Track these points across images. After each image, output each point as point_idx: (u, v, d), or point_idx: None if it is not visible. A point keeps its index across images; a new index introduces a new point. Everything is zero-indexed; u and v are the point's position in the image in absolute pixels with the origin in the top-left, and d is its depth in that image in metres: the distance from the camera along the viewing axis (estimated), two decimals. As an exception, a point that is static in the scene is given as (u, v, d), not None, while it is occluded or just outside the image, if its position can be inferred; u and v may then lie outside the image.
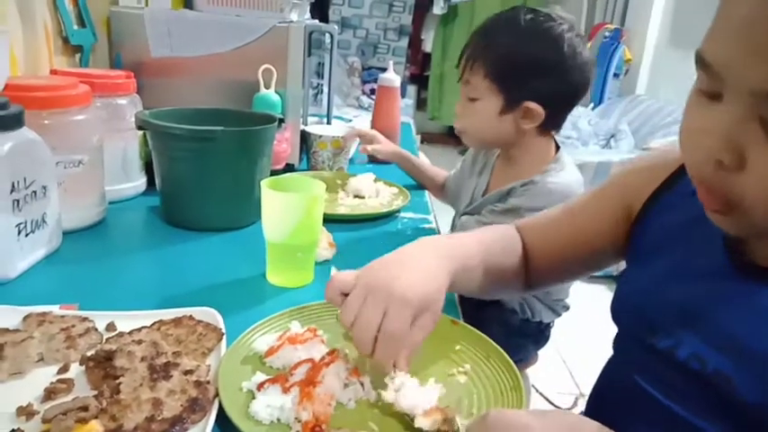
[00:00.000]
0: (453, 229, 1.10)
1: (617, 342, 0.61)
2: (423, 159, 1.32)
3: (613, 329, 0.62)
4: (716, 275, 0.49)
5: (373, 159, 1.29)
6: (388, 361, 0.50)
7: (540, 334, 1.08)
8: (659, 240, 0.56)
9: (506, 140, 0.98)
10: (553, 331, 1.12)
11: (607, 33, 3.26)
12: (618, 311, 0.59)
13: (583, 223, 0.65)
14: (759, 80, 0.36)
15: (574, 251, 0.66)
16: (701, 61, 0.40)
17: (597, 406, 0.61)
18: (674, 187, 0.56)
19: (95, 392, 0.48)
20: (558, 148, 0.99)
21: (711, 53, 0.39)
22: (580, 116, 2.95)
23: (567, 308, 1.08)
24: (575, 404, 1.68)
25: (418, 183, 1.24)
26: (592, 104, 3.20)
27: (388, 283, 0.50)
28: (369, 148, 1.23)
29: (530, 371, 1.23)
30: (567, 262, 0.67)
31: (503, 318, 1.02)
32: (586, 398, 0.65)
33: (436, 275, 0.54)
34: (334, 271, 0.62)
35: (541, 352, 1.16)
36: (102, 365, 0.52)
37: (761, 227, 0.42)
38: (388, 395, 0.49)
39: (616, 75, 3.23)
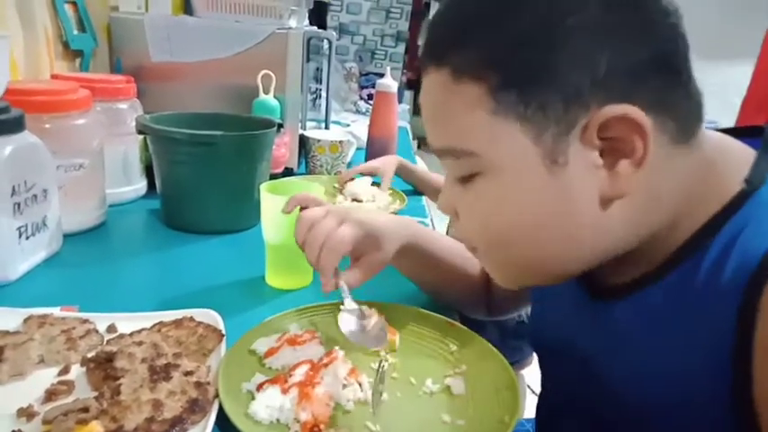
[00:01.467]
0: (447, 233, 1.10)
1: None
2: (420, 166, 1.32)
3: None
4: (575, 305, 0.53)
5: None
6: (329, 269, 0.59)
7: None
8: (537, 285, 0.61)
9: None
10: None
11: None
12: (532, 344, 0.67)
13: None
14: (431, 140, 0.46)
15: None
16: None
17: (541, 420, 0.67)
18: None
19: (96, 394, 0.48)
20: None
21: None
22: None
23: None
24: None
25: (417, 190, 1.24)
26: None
27: (349, 210, 0.62)
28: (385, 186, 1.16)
29: (525, 372, 1.24)
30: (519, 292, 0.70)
31: (498, 321, 1.02)
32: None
33: (394, 231, 0.63)
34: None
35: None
36: (103, 367, 0.52)
37: (495, 263, 0.49)
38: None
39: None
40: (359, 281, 0.62)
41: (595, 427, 0.52)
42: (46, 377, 0.52)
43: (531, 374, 1.39)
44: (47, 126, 0.77)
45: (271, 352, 0.56)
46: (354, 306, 0.60)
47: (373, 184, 1.13)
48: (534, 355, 1.16)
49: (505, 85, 0.40)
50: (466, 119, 0.42)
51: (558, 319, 0.57)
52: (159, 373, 0.50)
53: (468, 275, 0.72)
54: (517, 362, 1.11)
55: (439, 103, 0.44)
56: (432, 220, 1.08)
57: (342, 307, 0.60)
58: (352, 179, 1.12)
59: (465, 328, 0.63)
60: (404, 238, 0.65)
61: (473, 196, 0.45)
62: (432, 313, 0.66)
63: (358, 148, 1.41)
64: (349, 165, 1.29)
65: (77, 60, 1.16)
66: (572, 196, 0.41)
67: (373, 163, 1.18)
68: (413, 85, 4.36)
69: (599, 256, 0.44)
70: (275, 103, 1.14)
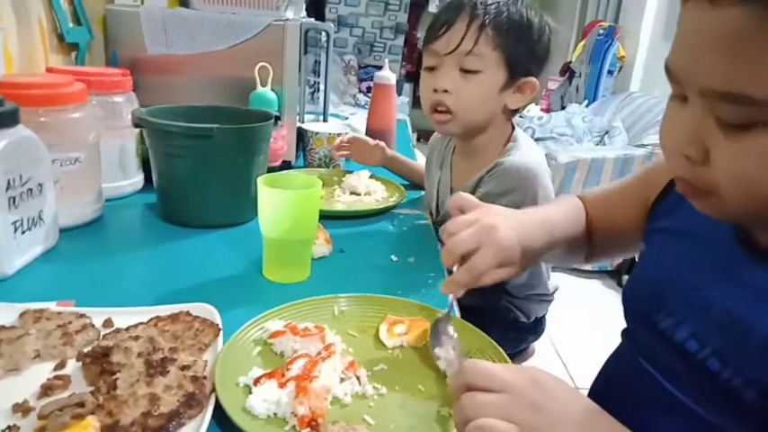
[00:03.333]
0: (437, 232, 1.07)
1: (625, 330, 0.63)
2: (420, 160, 1.30)
3: (608, 323, 0.63)
4: (723, 257, 0.51)
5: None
6: (459, 287, 0.58)
7: (537, 325, 1.08)
8: (673, 228, 0.59)
9: (488, 123, 0.91)
10: (549, 326, 1.12)
11: (601, 31, 3.27)
12: (628, 293, 0.62)
13: (623, 207, 0.71)
14: (705, 82, 0.41)
15: (615, 229, 0.72)
16: (666, 69, 0.45)
17: (600, 389, 0.63)
18: None
19: (92, 388, 0.48)
20: (512, 127, 0.96)
21: (671, 60, 0.45)
22: (574, 113, 2.96)
23: (556, 289, 1.07)
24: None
25: (411, 182, 1.21)
26: (586, 101, 3.21)
27: (493, 226, 0.59)
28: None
29: (526, 364, 1.24)
30: (612, 238, 0.74)
31: (497, 321, 1.01)
32: (582, 391, 0.66)
33: (529, 243, 0.62)
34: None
35: (537, 345, 1.17)
36: (99, 361, 0.52)
37: (738, 212, 0.45)
38: None
39: (610, 72, 3.24)
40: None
41: (704, 377, 0.49)
42: (42, 372, 0.52)
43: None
44: (42, 120, 0.76)
45: (277, 334, 0.56)
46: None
47: (371, 177, 1.12)
48: (534, 347, 1.16)
49: None
50: None
51: (694, 270, 0.54)
52: (156, 368, 0.50)
53: (580, 231, 0.73)
54: (523, 351, 1.11)
55: (741, 41, 0.38)
56: (431, 212, 1.08)
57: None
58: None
59: (464, 321, 0.63)
60: (531, 251, 0.63)
61: (744, 146, 0.41)
62: (430, 306, 0.65)
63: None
64: (347, 158, 1.28)
65: (73, 53, 1.15)
66: None
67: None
68: (412, 77, 4.34)
69: None
70: (272, 95, 1.13)
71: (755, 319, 0.46)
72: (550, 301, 1.08)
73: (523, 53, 0.87)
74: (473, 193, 0.90)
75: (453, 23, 0.85)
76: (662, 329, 0.54)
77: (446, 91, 0.88)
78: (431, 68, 0.90)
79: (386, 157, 1.19)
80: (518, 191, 0.85)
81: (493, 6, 0.85)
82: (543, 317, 1.08)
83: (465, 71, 0.86)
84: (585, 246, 0.75)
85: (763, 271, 0.47)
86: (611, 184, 0.77)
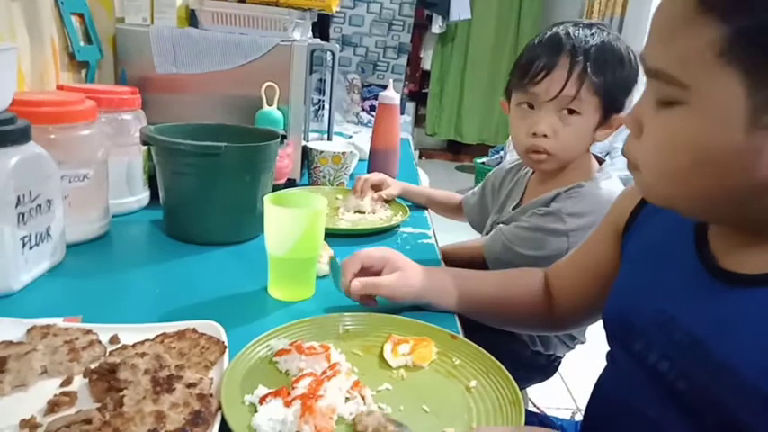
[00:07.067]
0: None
1: (608, 354, 0.64)
2: (422, 182, 1.31)
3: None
4: (687, 277, 0.52)
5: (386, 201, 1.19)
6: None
7: (549, 366, 1.06)
8: (640, 250, 0.60)
9: (580, 156, 0.94)
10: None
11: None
12: (605, 317, 0.63)
13: (591, 254, 0.71)
14: (647, 61, 0.46)
15: (591, 283, 0.70)
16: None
17: (589, 419, 0.63)
18: (647, 205, 0.62)
19: (98, 405, 0.48)
20: (601, 161, 0.98)
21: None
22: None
23: (582, 342, 1.06)
24: (572, 419, 1.68)
25: (420, 205, 1.21)
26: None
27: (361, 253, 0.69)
28: (383, 194, 1.14)
29: (530, 389, 1.23)
30: (588, 297, 0.71)
31: (513, 348, 1.00)
32: (583, 412, 0.66)
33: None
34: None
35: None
36: (106, 378, 0.52)
37: (655, 189, 0.50)
38: None
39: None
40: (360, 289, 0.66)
41: (675, 397, 0.51)
42: (49, 388, 0.52)
43: (533, 391, 1.39)
44: (52, 137, 0.77)
45: (281, 352, 0.57)
46: None
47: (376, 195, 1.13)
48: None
49: (749, 35, 0.40)
50: (693, 51, 0.42)
51: (660, 291, 0.55)
52: (162, 385, 0.50)
53: (526, 301, 0.75)
54: (522, 390, 1.10)
55: (674, 25, 0.44)
56: (434, 232, 1.08)
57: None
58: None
59: (468, 341, 0.63)
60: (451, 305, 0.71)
61: (664, 121, 0.46)
62: (434, 326, 0.66)
63: (360, 160, 1.41)
64: (351, 176, 1.29)
65: (83, 71, 1.17)
66: (760, 160, 0.42)
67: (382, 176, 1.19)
68: (414, 96, 4.39)
69: (753, 217, 0.46)
70: (279, 114, 1.14)
71: (714, 344, 0.47)
72: (571, 348, 1.06)
73: (617, 90, 0.88)
74: (545, 206, 0.92)
75: (553, 68, 0.86)
76: (636, 352, 0.55)
77: (545, 135, 0.89)
78: (526, 107, 0.91)
79: (401, 191, 1.19)
80: (592, 215, 0.87)
81: (592, 50, 0.85)
82: (559, 359, 1.07)
83: (564, 113, 0.88)
84: (534, 309, 0.75)
85: (724, 294, 0.48)
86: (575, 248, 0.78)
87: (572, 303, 0.73)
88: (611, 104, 0.89)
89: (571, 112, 0.88)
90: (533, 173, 1.03)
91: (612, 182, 0.93)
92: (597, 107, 0.88)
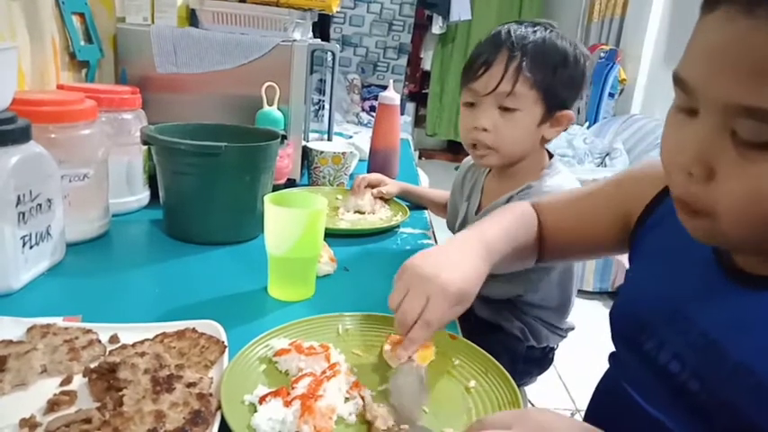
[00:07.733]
0: None
1: (612, 354, 0.63)
2: (422, 182, 1.31)
3: (609, 345, 0.63)
4: (704, 279, 0.52)
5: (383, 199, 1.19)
6: (418, 343, 0.57)
7: (544, 358, 1.07)
8: (656, 248, 0.59)
9: (527, 153, 0.94)
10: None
11: (602, 54, 3.31)
12: (614, 315, 0.62)
13: (586, 215, 0.72)
14: (730, 95, 0.39)
15: (578, 236, 0.72)
16: (678, 80, 0.44)
17: (591, 420, 0.62)
18: (667, 197, 0.59)
19: (98, 404, 0.48)
20: (551, 156, 0.98)
21: (687, 72, 0.43)
22: (576, 135, 2.98)
23: (572, 328, 1.07)
24: (572, 420, 1.68)
25: (419, 205, 1.22)
26: (587, 123, 3.24)
27: (431, 277, 0.57)
28: (383, 190, 1.15)
29: (528, 388, 1.23)
30: (573, 245, 0.74)
31: (508, 345, 1.00)
32: (583, 413, 0.66)
33: (474, 275, 0.60)
34: None
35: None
36: (106, 377, 0.52)
37: (729, 236, 0.44)
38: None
39: (611, 95, 3.28)
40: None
41: (685, 398, 0.50)
42: (48, 387, 0.52)
43: (531, 391, 1.39)
44: (53, 136, 0.77)
45: (281, 352, 0.57)
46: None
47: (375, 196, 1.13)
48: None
49: None
50: None
51: (675, 291, 0.54)
52: (162, 385, 0.50)
53: (529, 239, 0.73)
54: (522, 385, 1.10)
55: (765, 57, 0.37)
56: (434, 232, 1.08)
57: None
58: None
59: (467, 341, 0.63)
60: (479, 280, 0.61)
61: (759, 168, 0.39)
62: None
63: (360, 160, 1.41)
64: (351, 176, 1.29)
65: (83, 71, 1.17)
66: None
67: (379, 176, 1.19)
68: (414, 96, 4.39)
69: None
70: (279, 114, 1.14)
71: (730, 345, 0.46)
72: (563, 337, 1.07)
73: (559, 87, 0.88)
74: None
75: (491, 64, 0.87)
76: (646, 351, 0.54)
77: (485, 129, 0.90)
78: (469, 105, 0.92)
79: (400, 190, 1.20)
80: None
81: (530, 45, 0.86)
82: (553, 350, 1.07)
83: (503, 109, 0.88)
84: (535, 252, 0.75)
85: (742, 296, 0.48)
86: (575, 191, 0.78)
87: (557, 244, 0.75)
88: (552, 101, 0.88)
89: (511, 109, 0.88)
90: (489, 171, 1.03)
91: (561, 176, 0.92)
92: (537, 102, 0.88)
